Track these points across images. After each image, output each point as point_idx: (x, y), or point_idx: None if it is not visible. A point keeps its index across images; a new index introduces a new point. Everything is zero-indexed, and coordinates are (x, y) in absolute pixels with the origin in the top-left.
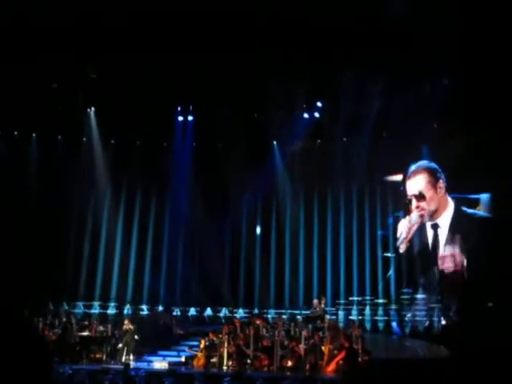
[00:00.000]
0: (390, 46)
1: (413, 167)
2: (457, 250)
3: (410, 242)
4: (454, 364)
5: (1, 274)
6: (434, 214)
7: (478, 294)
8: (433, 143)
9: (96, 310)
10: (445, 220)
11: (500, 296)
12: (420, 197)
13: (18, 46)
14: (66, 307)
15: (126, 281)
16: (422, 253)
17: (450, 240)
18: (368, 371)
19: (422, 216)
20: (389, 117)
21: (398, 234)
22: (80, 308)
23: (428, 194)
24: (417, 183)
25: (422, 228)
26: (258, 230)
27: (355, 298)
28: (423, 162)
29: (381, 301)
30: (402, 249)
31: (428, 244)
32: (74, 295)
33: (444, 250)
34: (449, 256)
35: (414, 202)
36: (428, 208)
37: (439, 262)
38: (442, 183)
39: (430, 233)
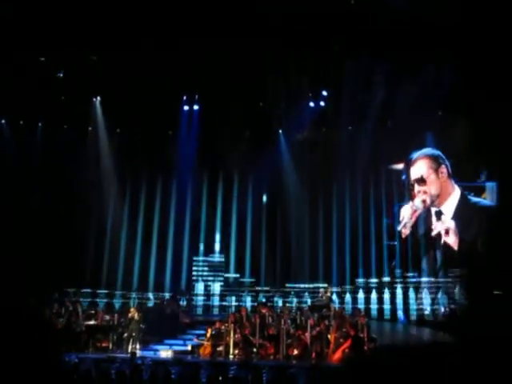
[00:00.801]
0: (394, 34)
1: (416, 154)
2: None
3: (414, 227)
4: (457, 350)
5: (7, 265)
6: (436, 200)
7: (483, 279)
8: (437, 131)
9: (102, 299)
10: (449, 207)
11: (502, 285)
12: (421, 181)
13: (24, 35)
14: (73, 296)
15: (131, 269)
16: (426, 238)
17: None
18: (373, 358)
19: (424, 201)
20: (393, 105)
21: (400, 219)
22: (86, 296)
23: (429, 178)
24: (419, 168)
25: (427, 214)
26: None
27: (361, 280)
28: (426, 149)
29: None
30: (405, 234)
31: (431, 230)
32: (81, 283)
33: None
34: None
35: (416, 187)
36: (429, 192)
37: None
38: (444, 168)
39: (434, 219)
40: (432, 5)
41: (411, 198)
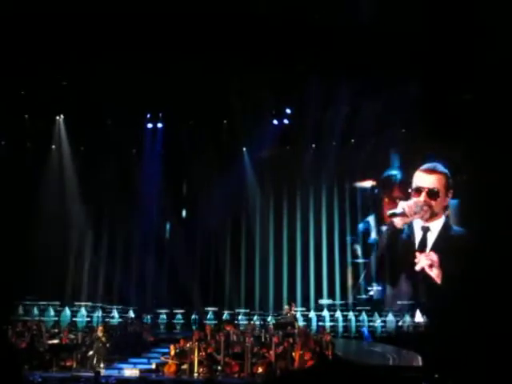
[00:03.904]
0: (357, 52)
1: (429, 164)
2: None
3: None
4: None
5: None
6: (431, 217)
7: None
8: (401, 149)
9: (67, 318)
10: (436, 226)
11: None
12: (433, 194)
13: None
14: (36, 314)
15: (96, 286)
16: (405, 251)
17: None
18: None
19: (425, 212)
20: (357, 123)
21: (398, 210)
22: (50, 314)
23: (440, 195)
24: (435, 181)
25: (410, 228)
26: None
27: (325, 302)
28: (441, 166)
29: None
30: (399, 225)
31: (414, 244)
32: (45, 299)
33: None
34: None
35: (424, 195)
36: (433, 208)
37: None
38: (451, 192)
39: (418, 234)
40: (395, 23)
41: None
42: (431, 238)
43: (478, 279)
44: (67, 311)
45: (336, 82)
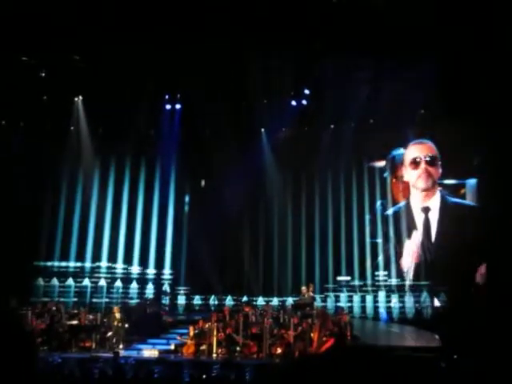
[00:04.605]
0: (376, 32)
1: (419, 140)
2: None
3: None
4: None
5: None
6: (429, 191)
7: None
8: (419, 129)
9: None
10: (434, 204)
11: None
12: (432, 160)
13: (6, 34)
14: (56, 298)
15: (114, 268)
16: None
17: (441, 224)
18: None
19: (427, 180)
20: (375, 103)
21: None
22: (70, 296)
23: (437, 163)
24: (430, 148)
25: (409, 213)
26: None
27: (343, 278)
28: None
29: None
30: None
31: (416, 228)
32: (63, 280)
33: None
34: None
35: (423, 164)
36: (433, 176)
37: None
38: (440, 167)
39: (419, 217)
40: (414, 3)
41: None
42: (433, 217)
43: (491, 251)
44: (87, 282)
45: (355, 62)
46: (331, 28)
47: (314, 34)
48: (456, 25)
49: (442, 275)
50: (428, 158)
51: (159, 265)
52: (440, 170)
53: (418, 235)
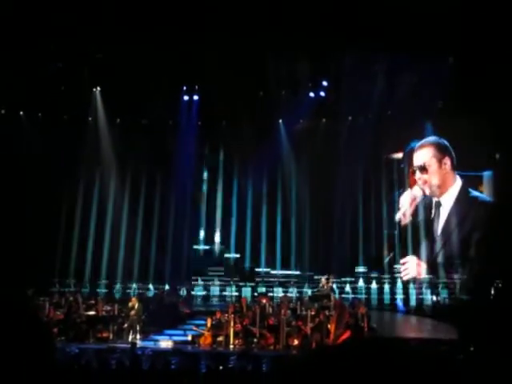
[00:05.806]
0: (394, 23)
1: (421, 141)
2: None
3: (414, 215)
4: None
5: (4, 255)
6: (437, 190)
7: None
8: (437, 121)
9: (102, 289)
10: (448, 199)
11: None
12: (423, 169)
13: (24, 26)
14: (73, 287)
15: (132, 260)
16: (425, 224)
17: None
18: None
19: (423, 190)
20: (393, 95)
21: (400, 206)
22: (86, 287)
23: (431, 167)
24: (422, 156)
25: (428, 204)
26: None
27: (361, 269)
28: (433, 137)
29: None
30: (404, 222)
31: (430, 220)
32: (80, 274)
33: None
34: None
35: (418, 174)
36: (430, 182)
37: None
38: (448, 160)
39: (433, 210)
40: None
41: (410, 185)
42: (444, 213)
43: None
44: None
45: (373, 54)
46: (349, 19)
47: (333, 25)
48: (475, 15)
49: (451, 268)
50: (416, 169)
51: None
52: (445, 166)
53: (431, 227)
